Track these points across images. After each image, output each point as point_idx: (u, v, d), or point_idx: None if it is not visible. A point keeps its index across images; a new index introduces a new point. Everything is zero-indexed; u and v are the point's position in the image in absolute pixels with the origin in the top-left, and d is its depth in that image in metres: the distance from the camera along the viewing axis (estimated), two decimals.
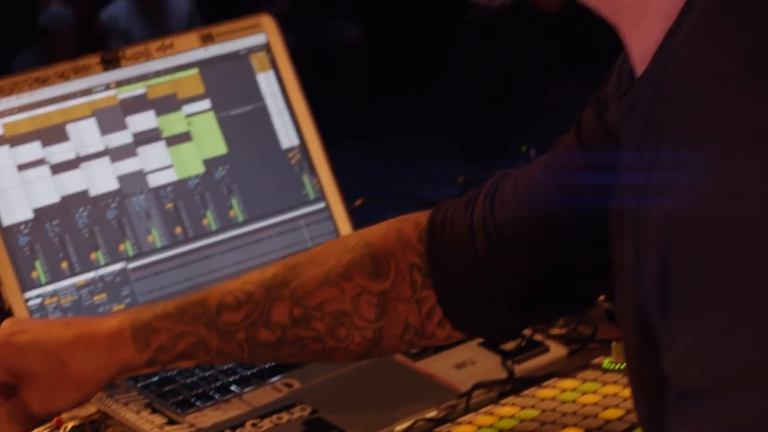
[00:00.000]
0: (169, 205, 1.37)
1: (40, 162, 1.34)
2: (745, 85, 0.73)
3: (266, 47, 1.46)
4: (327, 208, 1.43)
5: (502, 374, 1.23)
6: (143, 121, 1.39)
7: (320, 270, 1.06)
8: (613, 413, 1.15)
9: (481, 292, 1.06)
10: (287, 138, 1.44)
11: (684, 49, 0.77)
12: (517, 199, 1.06)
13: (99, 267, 1.33)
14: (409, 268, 1.07)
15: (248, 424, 1.18)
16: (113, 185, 1.35)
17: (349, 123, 5.27)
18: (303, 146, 1.44)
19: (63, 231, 1.32)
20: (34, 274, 1.30)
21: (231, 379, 1.24)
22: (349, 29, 6.46)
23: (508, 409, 1.18)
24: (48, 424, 1.19)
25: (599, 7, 0.88)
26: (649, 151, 0.76)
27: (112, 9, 6.38)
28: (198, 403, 1.21)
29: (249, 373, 1.25)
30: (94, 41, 5.49)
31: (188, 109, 1.41)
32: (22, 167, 1.33)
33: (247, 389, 1.23)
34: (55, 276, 1.30)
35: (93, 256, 1.33)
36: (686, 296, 0.70)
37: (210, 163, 1.40)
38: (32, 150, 1.34)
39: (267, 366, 1.25)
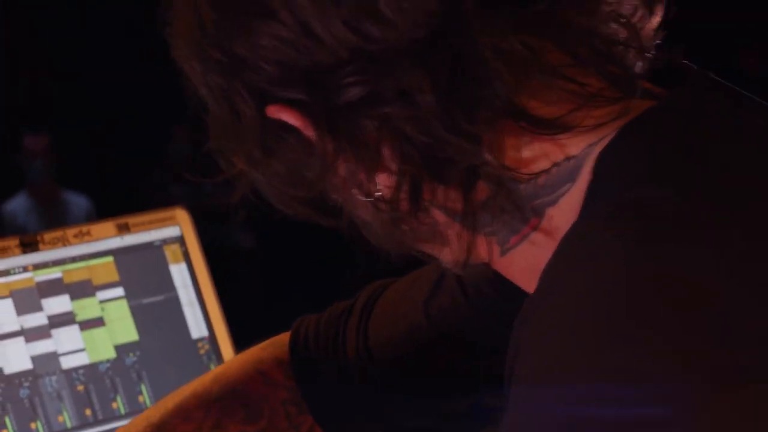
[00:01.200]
0: (81, 388, 1.40)
1: None
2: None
3: (180, 239, 1.52)
4: None
5: None
6: (58, 304, 1.43)
7: (191, 427, 1.09)
8: None
9: (355, 400, 1.10)
10: (197, 329, 1.49)
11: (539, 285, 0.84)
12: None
13: None
14: (282, 404, 1.11)
15: None
16: (27, 365, 1.39)
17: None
18: (212, 337, 1.49)
19: None
20: None
21: None
22: (242, 237, 6.56)
23: None
24: None
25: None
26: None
27: (12, 204, 6.42)
28: None
29: None
30: None
31: (102, 295, 1.46)
32: None
33: None
34: None
35: None
36: None
37: (121, 349, 1.44)
38: None
39: None
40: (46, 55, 9.14)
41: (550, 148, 0.87)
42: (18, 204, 6.44)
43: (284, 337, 1.18)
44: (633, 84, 0.87)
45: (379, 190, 0.88)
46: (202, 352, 1.48)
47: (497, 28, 0.82)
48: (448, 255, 0.93)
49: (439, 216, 0.90)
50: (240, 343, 1.51)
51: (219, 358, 1.48)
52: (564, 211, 0.88)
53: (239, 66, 0.87)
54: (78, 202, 6.35)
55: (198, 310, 1.49)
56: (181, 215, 1.53)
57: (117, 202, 6.43)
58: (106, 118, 8.69)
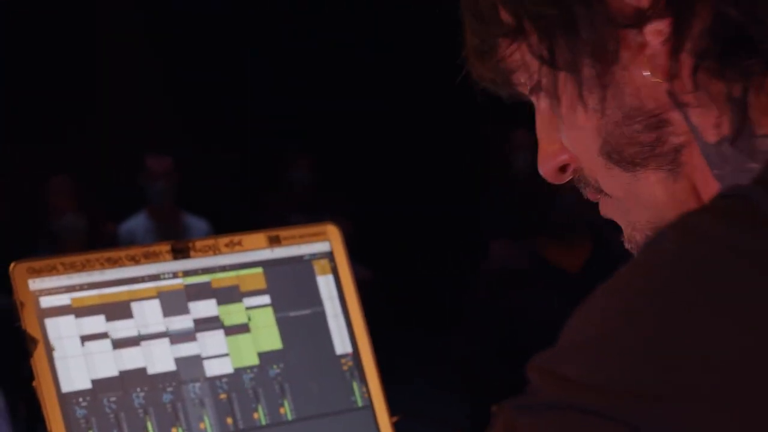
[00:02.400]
0: (223, 396, 1.39)
1: (102, 335, 1.36)
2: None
3: (329, 255, 1.50)
4: (372, 417, 1.45)
5: None
6: (205, 308, 1.42)
7: None
8: None
9: None
10: (341, 344, 1.47)
11: None
12: None
13: None
14: None
15: None
16: (171, 366, 1.38)
17: None
18: (356, 354, 1.47)
19: (119, 408, 1.34)
20: None
21: None
22: (358, 269, 6.57)
23: None
24: None
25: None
26: None
27: (131, 224, 6.50)
28: None
29: None
30: (103, 246, 5.57)
31: (249, 301, 1.45)
32: (85, 338, 1.35)
33: None
34: None
35: None
36: None
37: (264, 357, 1.43)
38: (96, 323, 1.37)
39: None
40: (169, 80, 9.27)
41: None
42: (137, 223, 6.52)
43: None
44: None
45: (672, 66, 0.93)
46: (345, 368, 1.46)
47: None
48: (661, 195, 0.98)
49: (688, 138, 0.95)
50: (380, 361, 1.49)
51: (362, 375, 1.46)
52: None
53: None
54: (197, 225, 6.41)
55: (343, 326, 1.48)
56: (332, 231, 1.51)
57: (235, 228, 6.47)
58: (228, 143, 8.77)
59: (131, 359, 1.37)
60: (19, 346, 1.35)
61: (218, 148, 8.90)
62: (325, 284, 1.49)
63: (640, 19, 0.93)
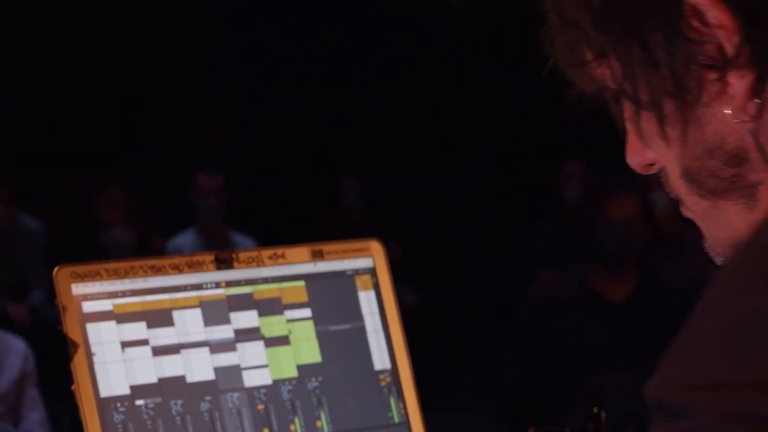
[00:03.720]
0: (261, 407, 1.39)
1: (143, 342, 1.37)
2: None
3: (372, 271, 1.50)
4: None
5: None
6: (246, 319, 1.43)
7: None
8: None
9: None
10: (380, 360, 1.47)
11: None
12: None
13: None
14: None
15: None
16: (209, 375, 1.38)
17: None
18: (394, 370, 1.47)
19: (156, 414, 1.34)
20: None
21: None
22: (406, 292, 6.55)
23: None
24: None
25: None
26: None
27: (179, 239, 6.53)
28: None
29: None
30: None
31: (290, 314, 1.45)
32: (125, 344, 1.36)
33: None
34: None
35: None
36: None
37: (303, 369, 1.43)
38: (137, 329, 1.37)
39: None
40: (223, 99, 9.32)
41: None
42: (185, 239, 6.55)
43: None
44: None
45: (757, 109, 0.94)
46: (383, 384, 1.46)
47: None
48: (738, 223, 0.99)
49: (765, 176, 0.96)
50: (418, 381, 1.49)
51: (399, 392, 1.46)
52: None
53: None
54: (245, 243, 6.42)
55: (383, 342, 1.47)
56: (375, 247, 1.51)
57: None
58: (280, 164, 8.80)
59: (171, 367, 1.37)
60: (65, 356, 1.36)
61: (269, 167, 8.93)
62: (367, 300, 1.49)
63: (723, 64, 0.94)
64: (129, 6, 9.01)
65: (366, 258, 1.51)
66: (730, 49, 0.93)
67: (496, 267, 7.18)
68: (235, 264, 1.44)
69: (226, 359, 1.40)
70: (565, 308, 3.89)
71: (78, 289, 1.36)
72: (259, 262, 1.46)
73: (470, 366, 5.78)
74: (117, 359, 1.35)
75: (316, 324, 1.46)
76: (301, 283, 1.47)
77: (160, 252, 6.16)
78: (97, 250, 5.98)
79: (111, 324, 1.36)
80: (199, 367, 1.39)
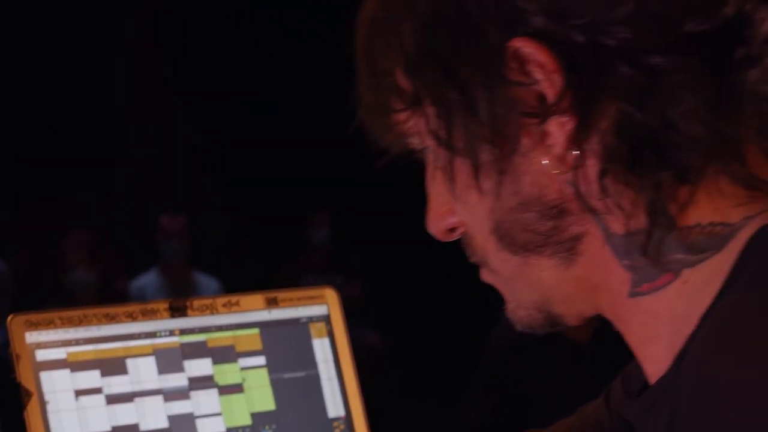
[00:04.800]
0: None
1: (97, 390, 1.38)
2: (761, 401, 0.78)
3: (326, 318, 1.51)
4: None
5: None
6: (200, 367, 1.43)
7: None
8: None
9: None
10: (334, 407, 1.48)
11: (697, 366, 0.84)
12: None
13: None
14: None
15: None
16: (163, 424, 1.39)
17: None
18: (348, 417, 1.48)
19: None
20: None
21: None
22: (368, 335, 6.55)
23: None
24: None
25: (613, 321, 0.97)
26: None
27: (143, 280, 6.51)
28: None
29: None
30: (113, 301, 5.60)
31: (244, 362, 1.46)
32: (79, 393, 1.37)
33: None
34: None
35: None
36: None
37: (257, 417, 1.43)
38: (91, 378, 1.38)
39: None
40: (187, 139, 9.32)
41: (720, 203, 0.88)
42: (148, 281, 6.54)
43: None
44: None
45: (576, 158, 0.90)
46: (337, 431, 1.47)
47: None
48: (550, 280, 0.94)
49: (591, 227, 0.92)
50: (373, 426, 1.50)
51: None
52: (702, 278, 0.88)
53: None
54: (208, 284, 6.43)
55: (337, 389, 1.48)
56: (330, 295, 1.52)
57: (246, 288, 6.49)
58: (242, 204, 8.80)
59: (124, 415, 1.38)
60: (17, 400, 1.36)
61: (231, 206, 8.93)
62: (321, 347, 1.50)
63: (543, 111, 0.90)
64: (95, 42, 9.01)
65: (320, 305, 1.52)
66: (551, 95, 0.90)
67: (464, 306, 7.19)
68: (189, 312, 1.45)
69: (180, 407, 1.41)
70: (529, 351, 3.90)
71: (32, 337, 1.37)
72: (213, 310, 1.47)
73: (436, 405, 5.78)
74: (71, 408, 1.36)
75: (270, 372, 1.47)
76: (256, 331, 1.48)
77: (123, 293, 6.15)
78: (62, 291, 5.97)
79: (65, 372, 1.37)
80: (152, 416, 1.39)
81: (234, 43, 9.18)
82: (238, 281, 6.45)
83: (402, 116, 0.98)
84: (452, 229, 1.02)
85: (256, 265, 7.98)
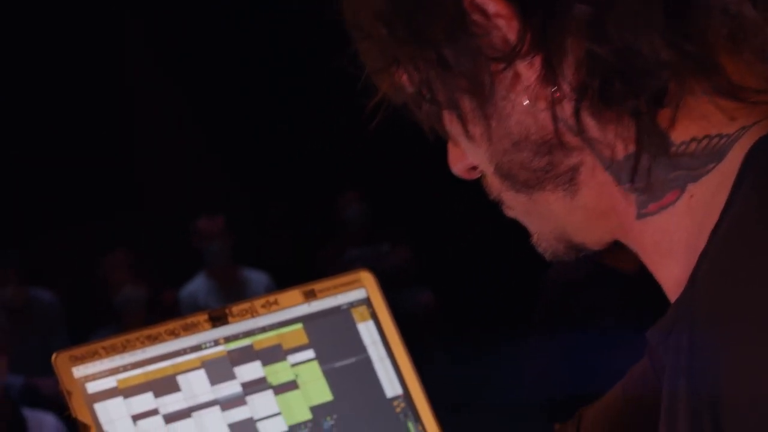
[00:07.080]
0: None
1: (153, 412, 1.38)
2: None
3: (366, 301, 1.51)
4: None
5: None
6: (250, 371, 1.43)
7: None
8: None
9: None
10: (391, 387, 1.47)
11: (706, 289, 0.86)
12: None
13: None
14: None
15: None
16: None
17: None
18: (407, 394, 1.47)
19: None
20: None
21: None
22: (421, 294, 6.55)
23: None
24: None
25: (628, 244, 0.98)
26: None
27: (191, 286, 6.54)
28: None
29: None
30: (164, 314, 5.62)
31: (293, 358, 1.45)
32: (136, 417, 1.37)
33: None
34: None
35: None
36: None
37: (317, 410, 1.43)
38: (145, 401, 1.38)
39: None
40: (210, 139, 9.34)
41: (712, 117, 0.89)
42: (197, 286, 6.56)
43: None
44: None
45: (552, 95, 0.92)
46: (398, 410, 1.46)
47: None
48: (560, 211, 0.97)
49: (587, 157, 0.94)
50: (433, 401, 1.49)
51: (416, 416, 1.46)
52: (708, 191, 0.90)
53: None
54: (257, 278, 6.44)
55: (390, 368, 1.48)
56: (366, 277, 1.52)
57: (296, 274, 6.51)
58: (275, 194, 8.81)
59: (185, 431, 1.38)
60: None
61: (267, 198, 8.95)
62: (367, 330, 1.49)
63: (510, 54, 0.93)
64: (114, 67, 9.02)
65: (359, 289, 1.51)
66: (512, 38, 0.92)
67: (509, 256, 7.18)
68: (230, 319, 1.45)
69: (239, 414, 1.41)
70: (581, 288, 3.90)
71: (79, 371, 1.37)
72: (253, 313, 1.47)
73: (489, 364, 5.78)
74: None
75: (321, 363, 1.46)
76: (299, 326, 1.48)
77: (174, 304, 6.17)
78: (113, 312, 6.00)
79: (118, 400, 1.37)
80: (213, 427, 1.39)
81: (250, 39, 9.16)
82: (284, 271, 6.46)
83: (392, 72, 1.01)
84: (473, 168, 1.06)
85: (297, 252, 7.99)
